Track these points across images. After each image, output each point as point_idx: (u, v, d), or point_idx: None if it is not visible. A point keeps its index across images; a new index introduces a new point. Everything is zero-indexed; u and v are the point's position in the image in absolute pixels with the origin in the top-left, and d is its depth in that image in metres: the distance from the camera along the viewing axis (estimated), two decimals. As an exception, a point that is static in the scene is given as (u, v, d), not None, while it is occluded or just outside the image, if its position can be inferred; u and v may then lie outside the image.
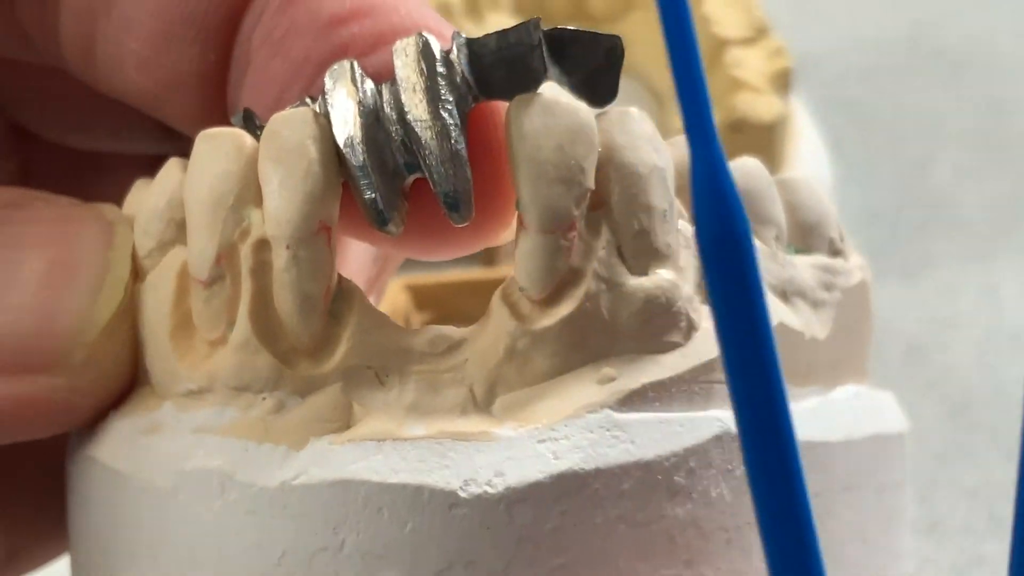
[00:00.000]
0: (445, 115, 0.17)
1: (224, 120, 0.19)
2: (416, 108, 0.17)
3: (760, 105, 0.44)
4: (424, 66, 0.17)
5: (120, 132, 0.23)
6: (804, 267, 0.20)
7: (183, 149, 0.20)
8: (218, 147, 0.17)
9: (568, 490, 0.16)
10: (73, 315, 0.17)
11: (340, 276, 0.17)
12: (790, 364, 0.18)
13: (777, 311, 0.19)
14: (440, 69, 0.17)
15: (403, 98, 0.17)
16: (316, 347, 0.17)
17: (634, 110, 0.18)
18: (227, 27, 0.19)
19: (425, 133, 0.17)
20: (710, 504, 0.17)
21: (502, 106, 0.17)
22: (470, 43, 0.17)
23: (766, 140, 0.44)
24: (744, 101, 0.45)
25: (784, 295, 0.19)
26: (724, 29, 0.48)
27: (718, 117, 0.43)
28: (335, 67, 0.17)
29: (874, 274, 0.44)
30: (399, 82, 0.17)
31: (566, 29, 0.17)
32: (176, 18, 0.19)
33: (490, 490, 0.16)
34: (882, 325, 0.40)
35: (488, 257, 0.41)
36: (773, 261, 0.19)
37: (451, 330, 0.17)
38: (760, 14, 0.48)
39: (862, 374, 0.21)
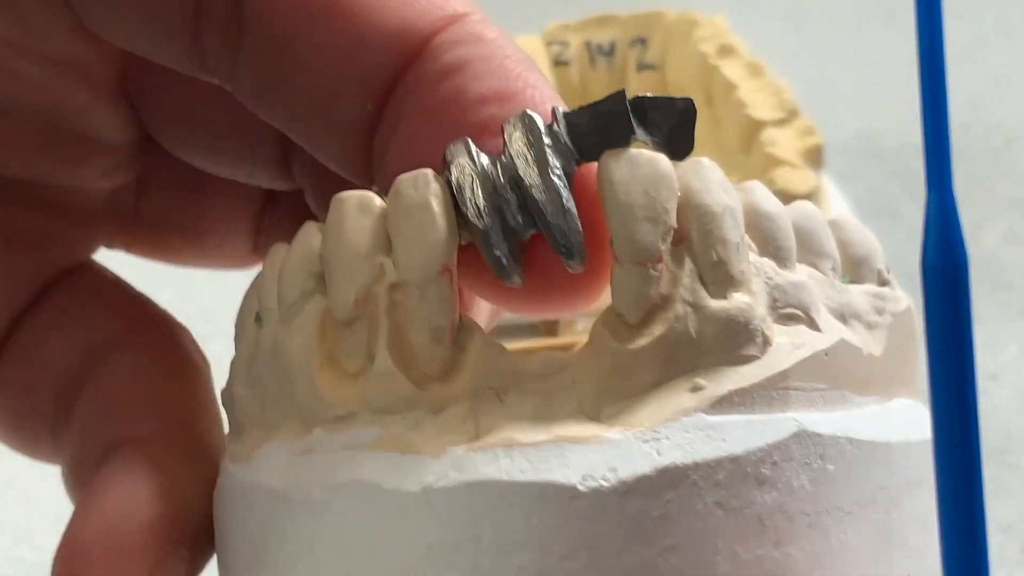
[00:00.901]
0: (554, 179, 0.20)
1: (366, 158, 0.22)
2: (530, 175, 0.20)
3: (796, 178, 0.47)
4: (532, 139, 0.20)
5: (242, 163, 0.26)
6: (858, 294, 0.23)
7: (293, 189, 0.23)
8: (352, 207, 0.20)
9: (671, 481, 0.19)
10: None
11: (461, 313, 0.20)
12: (851, 375, 0.21)
13: (838, 330, 0.21)
14: (546, 140, 0.20)
15: (518, 167, 0.20)
16: (445, 372, 0.20)
17: (705, 160, 0.21)
18: (388, 86, 0.21)
19: (540, 196, 0.20)
20: (792, 492, 0.19)
21: (595, 167, 0.20)
22: (567, 115, 0.20)
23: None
24: (782, 175, 0.47)
25: (843, 317, 0.22)
26: (758, 112, 0.51)
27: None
28: (453, 145, 0.20)
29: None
30: (513, 155, 0.20)
31: (647, 97, 0.20)
32: (348, 73, 0.21)
33: (604, 484, 0.18)
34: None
35: (550, 329, 0.44)
36: (831, 288, 0.22)
37: (558, 353, 0.20)
38: (789, 97, 0.51)
39: (915, 391, 0.24)
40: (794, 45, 0.65)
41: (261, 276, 0.22)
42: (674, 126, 0.20)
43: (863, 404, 0.21)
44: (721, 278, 0.20)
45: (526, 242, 0.20)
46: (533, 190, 0.20)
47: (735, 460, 0.19)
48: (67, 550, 0.22)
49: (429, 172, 0.20)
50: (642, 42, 0.58)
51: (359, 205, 0.20)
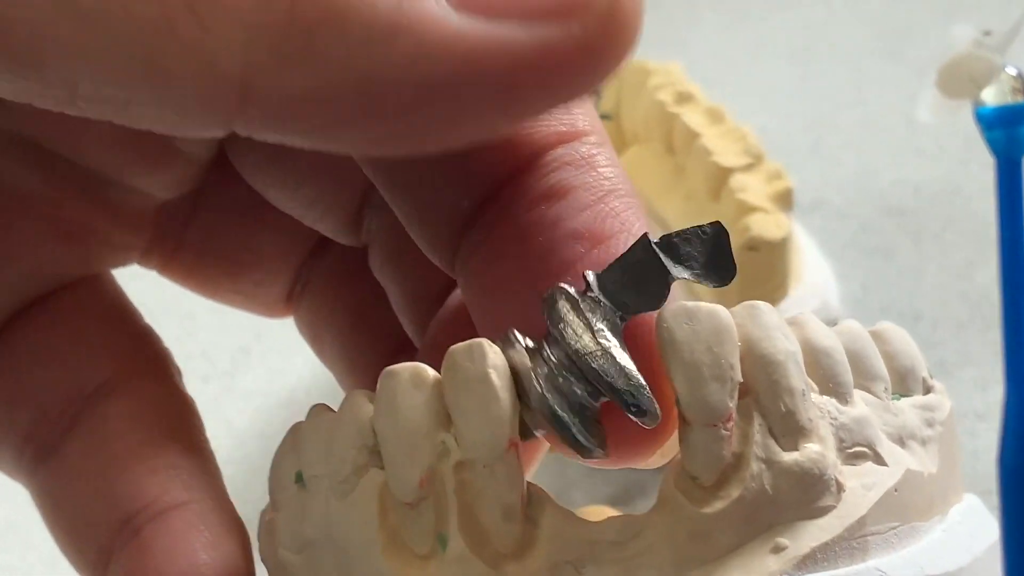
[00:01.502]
0: (604, 341, 0.19)
1: (452, 248, 0.21)
2: (581, 344, 0.19)
3: (770, 224, 0.47)
4: (572, 309, 0.19)
5: (317, 204, 0.25)
6: (909, 411, 0.22)
7: (353, 244, 0.23)
8: (405, 381, 0.20)
9: (771, 653, 0.18)
10: None
11: (528, 484, 0.20)
12: (917, 503, 0.21)
13: (903, 459, 0.21)
14: (584, 307, 0.19)
15: (568, 340, 0.19)
16: (520, 550, 0.19)
17: (761, 304, 0.20)
18: (492, 189, 0.21)
19: (596, 361, 0.19)
20: (883, 645, 0.19)
21: (647, 317, 0.20)
22: (599, 277, 0.20)
23: (778, 255, 0.46)
24: (756, 222, 0.47)
25: (900, 441, 0.22)
26: (724, 158, 0.51)
27: (733, 239, 0.45)
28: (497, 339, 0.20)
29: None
30: (560, 331, 0.19)
31: (673, 234, 0.20)
32: (457, 167, 0.21)
33: (709, 666, 0.18)
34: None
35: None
36: (887, 412, 0.22)
37: (631, 518, 0.20)
38: (753, 141, 0.51)
39: (962, 485, 0.24)
40: (795, 82, 0.65)
41: (300, 435, 0.22)
42: (710, 253, 0.20)
43: (929, 530, 0.21)
44: (791, 429, 0.20)
45: (600, 412, 0.20)
46: (588, 359, 0.19)
47: (829, 622, 0.19)
48: None
49: (484, 342, 0.19)
50: (595, 92, 0.57)
51: (413, 379, 0.20)
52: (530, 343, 0.20)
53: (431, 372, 0.20)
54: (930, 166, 0.56)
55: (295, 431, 0.22)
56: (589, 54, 0.17)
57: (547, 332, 0.20)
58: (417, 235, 0.22)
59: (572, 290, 0.20)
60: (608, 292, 0.20)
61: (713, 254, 0.20)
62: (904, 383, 0.23)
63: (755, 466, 0.19)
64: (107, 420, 0.23)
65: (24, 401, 0.23)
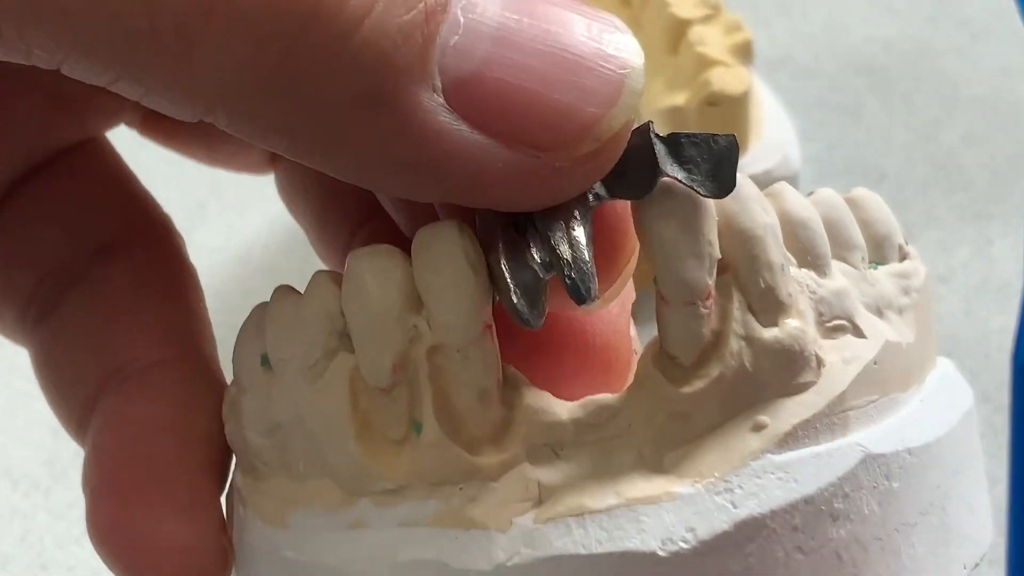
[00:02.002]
0: (572, 216, 0.18)
1: None
2: (544, 217, 0.18)
3: (731, 78, 0.46)
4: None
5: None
6: (886, 280, 0.22)
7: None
8: (374, 264, 0.19)
9: (750, 534, 0.18)
10: (596, 114, 0.17)
11: (504, 365, 0.19)
12: (896, 375, 0.21)
13: (881, 331, 0.21)
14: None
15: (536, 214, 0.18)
16: (497, 434, 0.19)
17: (740, 177, 0.20)
18: None
19: (554, 234, 0.18)
20: (864, 520, 0.19)
21: (622, 202, 0.19)
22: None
23: (738, 110, 0.45)
24: (717, 76, 0.46)
25: (879, 311, 0.21)
26: (682, 10, 0.49)
27: (692, 94, 0.44)
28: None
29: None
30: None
31: (682, 133, 0.19)
32: None
33: (684, 546, 0.18)
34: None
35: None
36: (864, 282, 0.21)
37: (606, 398, 0.19)
38: None
39: (935, 355, 0.24)
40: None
41: (264, 317, 0.21)
42: (715, 164, 0.19)
43: (908, 400, 0.21)
44: (771, 305, 0.19)
45: (546, 286, 0.19)
46: (548, 230, 0.18)
47: (809, 501, 0.18)
48: (120, 502, 0.21)
49: (454, 222, 0.19)
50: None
51: (382, 262, 0.19)
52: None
53: (400, 254, 0.19)
54: (900, 23, 0.55)
55: (258, 313, 0.21)
56: (556, 185, 0.18)
57: None
58: None
59: None
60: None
61: (718, 166, 0.19)
62: (880, 250, 0.23)
63: (735, 344, 0.19)
64: (105, 280, 0.23)
65: (26, 263, 0.23)
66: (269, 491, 0.21)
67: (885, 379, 0.21)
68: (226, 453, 0.22)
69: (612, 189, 0.19)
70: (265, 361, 0.21)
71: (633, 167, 0.19)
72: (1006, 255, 0.44)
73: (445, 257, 0.18)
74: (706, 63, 0.47)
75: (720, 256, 0.19)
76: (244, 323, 0.22)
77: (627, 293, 0.21)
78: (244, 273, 0.46)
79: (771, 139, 0.45)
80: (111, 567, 0.21)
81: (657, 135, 0.19)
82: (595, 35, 0.17)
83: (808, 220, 0.20)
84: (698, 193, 0.19)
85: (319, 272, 0.20)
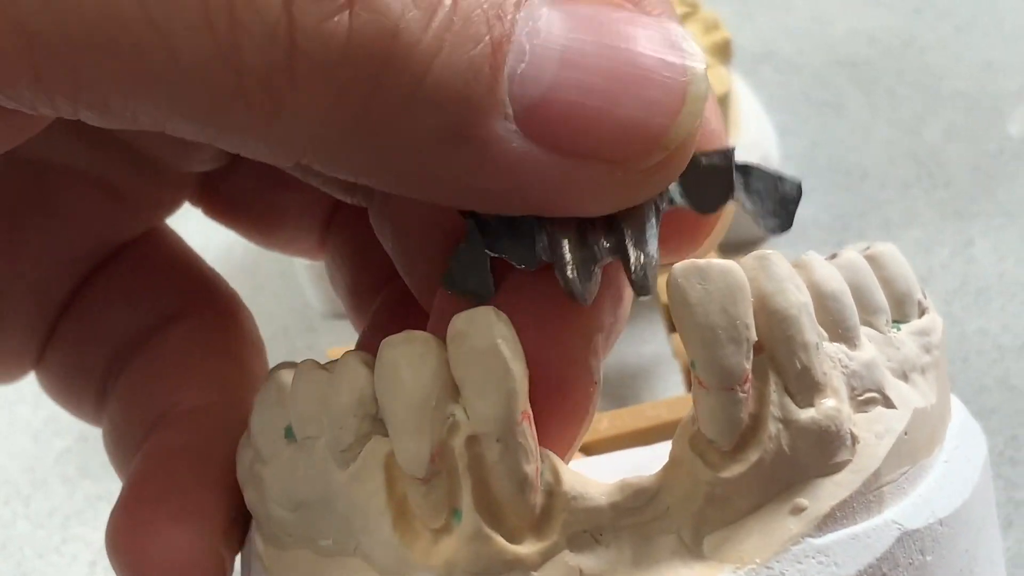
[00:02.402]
0: (646, 214, 0.19)
1: None
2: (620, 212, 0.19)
3: (712, 79, 0.46)
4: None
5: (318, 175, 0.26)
6: (909, 341, 0.22)
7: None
8: (408, 353, 0.19)
9: (796, 620, 0.18)
10: (663, 124, 0.18)
11: (541, 449, 0.19)
12: (923, 440, 0.21)
13: (909, 398, 0.21)
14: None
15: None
16: (537, 522, 0.19)
17: (771, 254, 0.20)
18: None
19: (627, 225, 0.19)
20: (901, 597, 0.19)
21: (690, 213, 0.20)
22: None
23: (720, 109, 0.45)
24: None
25: (904, 375, 0.22)
26: (659, 9, 0.49)
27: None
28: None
29: (859, 229, 0.46)
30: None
31: (753, 165, 0.20)
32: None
33: (731, 636, 0.18)
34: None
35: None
36: (890, 346, 0.22)
37: (643, 480, 0.19)
38: None
39: (950, 406, 0.24)
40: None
41: (288, 391, 0.21)
42: (777, 203, 0.20)
43: (933, 464, 0.21)
44: (807, 385, 0.19)
45: (602, 267, 0.19)
46: (622, 223, 0.19)
47: (850, 584, 0.19)
48: (134, 513, 0.22)
49: (488, 310, 0.18)
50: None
51: (416, 349, 0.19)
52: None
53: (435, 341, 0.19)
54: (885, 15, 0.55)
55: (279, 380, 0.21)
56: (627, 194, 0.18)
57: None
58: None
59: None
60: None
61: (781, 204, 0.20)
62: (902, 309, 0.23)
63: (772, 427, 0.19)
64: (163, 342, 0.24)
65: (97, 347, 0.25)
66: (294, 564, 0.21)
67: (915, 448, 0.21)
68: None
69: (686, 197, 0.19)
70: (289, 433, 0.21)
71: (708, 182, 0.19)
72: (986, 256, 0.44)
73: (483, 348, 0.18)
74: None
75: (756, 339, 0.19)
76: (263, 388, 0.22)
77: (593, 321, 0.20)
78: (225, 271, 0.46)
79: (750, 137, 0.45)
80: (117, 573, 0.22)
81: (736, 162, 0.19)
82: (656, 45, 0.18)
83: (838, 293, 0.21)
84: (757, 224, 0.19)
85: (349, 353, 0.20)
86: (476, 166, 0.17)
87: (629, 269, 0.19)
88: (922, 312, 0.23)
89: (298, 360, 0.21)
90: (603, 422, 0.34)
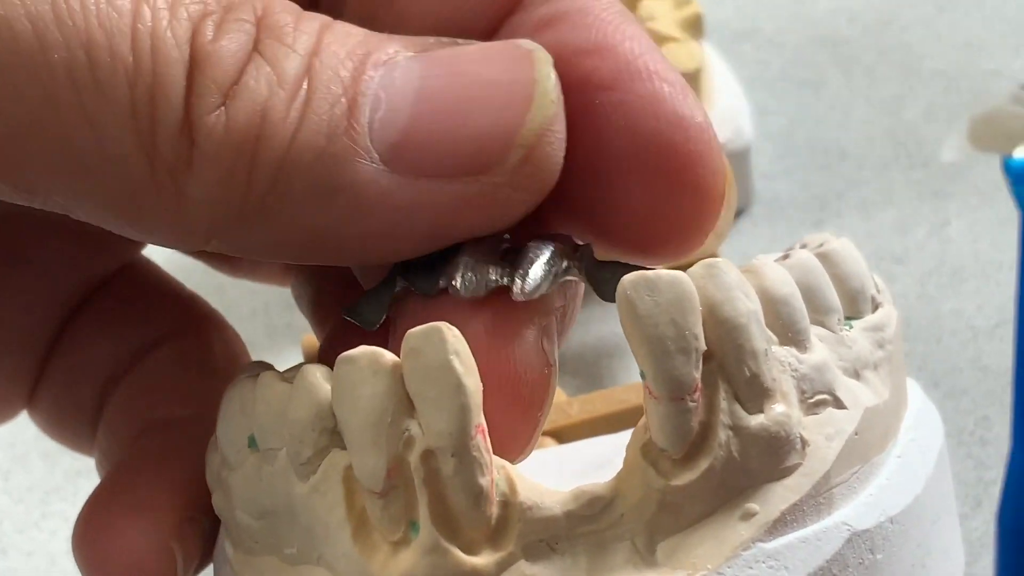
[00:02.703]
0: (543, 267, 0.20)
1: None
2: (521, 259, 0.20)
3: (683, 55, 0.46)
4: (554, 261, 0.20)
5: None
6: (861, 338, 0.23)
7: None
8: (363, 368, 0.19)
9: (744, 627, 0.19)
10: (513, 124, 0.19)
11: (496, 459, 0.19)
12: (875, 438, 0.21)
13: (860, 398, 0.21)
14: (563, 264, 0.20)
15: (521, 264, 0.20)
16: (493, 533, 0.19)
17: (720, 262, 0.20)
18: (487, 32, 0.21)
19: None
20: (850, 598, 0.20)
21: None
22: (599, 262, 0.20)
23: (691, 84, 0.45)
24: (669, 53, 0.46)
25: (856, 374, 0.22)
26: (630, -16, 0.49)
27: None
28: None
29: (836, 209, 0.47)
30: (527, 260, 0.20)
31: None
32: (449, 14, 0.22)
33: (684, 643, 0.18)
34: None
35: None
36: (842, 345, 0.22)
37: (597, 488, 0.20)
38: None
39: (907, 397, 0.24)
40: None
41: (250, 402, 0.21)
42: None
43: (885, 460, 0.22)
44: (756, 392, 0.20)
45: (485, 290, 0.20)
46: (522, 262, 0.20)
47: (800, 588, 0.19)
48: (93, 510, 0.22)
49: (442, 326, 0.19)
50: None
51: (371, 366, 0.19)
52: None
53: (389, 358, 0.19)
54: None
55: (242, 389, 0.22)
56: (507, 200, 0.19)
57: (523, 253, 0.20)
58: None
59: (557, 252, 0.20)
60: (588, 271, 0.20)
61: None
62: (855, 306, 0.23)
63: (722, 434, 0.19)
64: (146, 365, 0.25)
65: (87, 378, 0.26)
66: (262, 570, 0.21)
67: (866, 447, 0.21)
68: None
69: (595, 286, 0.20)
70: (253, 443, 0.21)
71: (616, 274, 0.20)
72: (962, 236, 0.44)
73: (437, 364, 0.19)
74: (657, 40, 0.47)
75: (705, 347, 0.19)
76: (228, 396, 0.22)
77: (541, 305, 0.21)
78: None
79: (723, 110, 0.45)
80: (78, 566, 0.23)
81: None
82: (504, 59, 0.19)
83: (788, 297, 0.21)
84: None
85: (307, 367, 0.20)
86: (354, 210, 0.19)
87: (511, 280, 0.20)
88: (876, 307, 0.24)
89: (275, 353, 0.22)
90: (574, 407, 0.35)
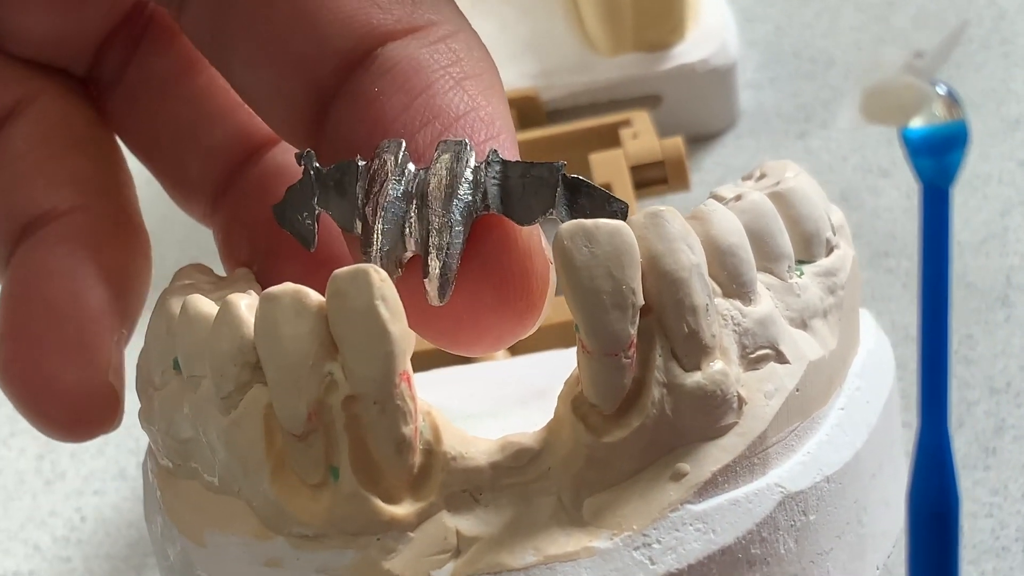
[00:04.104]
0: (455, 213, 0.19)
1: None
2: (436, 199, 0.19)
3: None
4: (456, 167, 0.19)
5: None
6: (812, 285, 0.22)
7: None
8: (286, 308, 0.18)
9: (667, 590, 0.18)
10: None
11: (420, 405, 0.19)
12: (818, 391, 0.21)
13: (805, 351, 0.21)
14: (468, 176, 0.19)
15: (430, 186, 0.19)
16: (415, 482, 0.19)
17: (664, 212, 0.19)
18: (334, 81, 0.21)
19: (436, 222, 0.19)
20: (780, 560, 0.19)
21: (503, 221, 0.19)
22: (503, 163, 0.19)
23: None
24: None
25: (803, 324, 0.21)
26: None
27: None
28: (388, 142, 0.19)
29: (823, 120, 0.45)
30: (431, 174, 0.19)
31: (584, 181, 0.19)
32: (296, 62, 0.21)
33: (601, 606, 0.18)
34: (823, 170, 0.42)
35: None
36: (790, 294, 0.21)
37: (525, 439, 0.19)
38: None
39: (858, 336, 0.23)
40: None
41: (174, 325, 0.21)
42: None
43: (827, 413, 0.21)
44: (694, 349, 0.19)
45: (404, 258, 0.19)
46: (432, 214, 0.19)
47: (726, 551, 0.19)
48: (18, 343, 0.21)
49: (368, 268, 0.18)
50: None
51: (294, 305, 0.18)
52: (411, 166, 0.19)
53: (314, 297, 0.19)
54: None
55: (166, 308, 0.21)
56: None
57: (427, 168, 0.19)
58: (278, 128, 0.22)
59: (471, 155, 0.19)
60: (498, 179, 0.19)
61: None
62: (808, 249, 0.22)
63: (656, 392, 0.19)
64: (12, 140, 0.23)
65: None
66: (185, 494, 0.21)
67: (807, 402, 0.20)
68: (135, 294, 0.22)
69: (503, 205, 0.19)
70: (177, 366, 0.21)
71: (531, 192, 0.19)
72: (949, 152, 0.43)
73: (362, 309, 0.18)
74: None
75: (643, 303, 0.19)
76: (154, 315, 0.22)
77: None
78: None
79: (708, 25, 0.44)
80: (15, 407, 0.21)
81: (564, 175, 0.19)
82: None
83: (735, 247, 0.20)
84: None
85: (231, 299, 0.20)
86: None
87: (428, 267, 0.19)
88: (830, 250, 0.23)
89: None
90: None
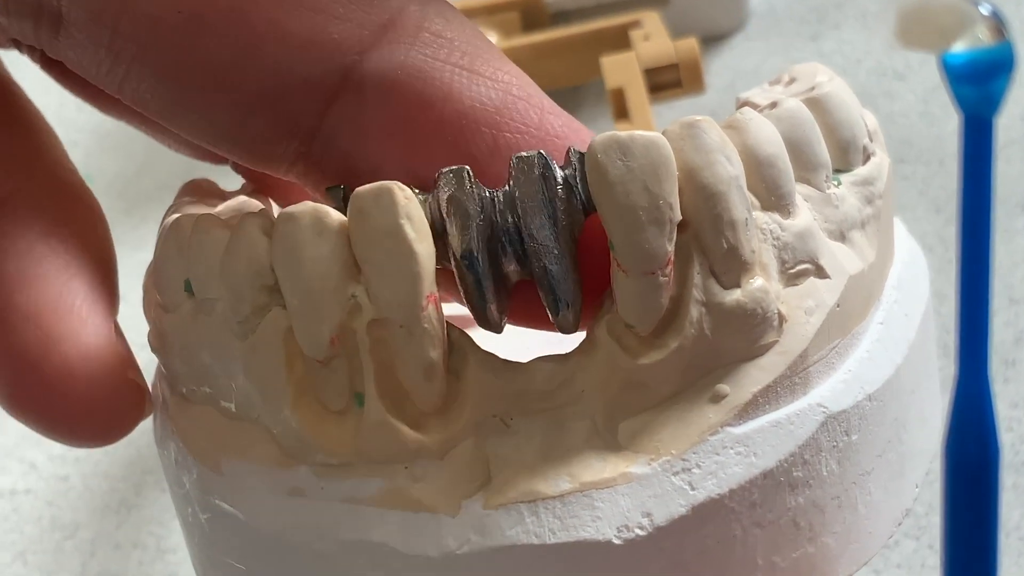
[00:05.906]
0: (565, 242, 0.18)
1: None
2: (539, 232, 0.17)
3: None
4: (546, 188, 0.17)
5: None
6: (850, 195, 0.21)
7: None
8: (306, 227, 0.17)
9: (708, 516, 0.17)
10: None
11: (449, 328, 0.18)
12: (857, 306, 0.20)
13: (844, 265, 0.20)
14: (560, 193, 0.17)
15: (527, 219, 0.17)
16: (443, 406, 0.18)
17: (701, 122, 0.18)
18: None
19: (547, 258, 0.18)
20: (823, 482, 0.19)
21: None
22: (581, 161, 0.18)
23: None
24: None
25: (842, 236, 0.20)
26: None
27: None
28: (448, 171, 0.18)
29: (835, 20, 0.44)
30: (520, 199, 0.17)
31: None
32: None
33: (641, 532, 0.17)
34: (836, 74, 0.41)
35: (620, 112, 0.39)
36: (828, 205, 0.20)
37: (558, 360, 0.18)
38: None
39: (893, 247, 0.23)
40: None
41: (187, 245, 0.20)
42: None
43: (867, 328, 0.20)
44: (733, 265, 0.18)
45: (512, 286, 0.18)
46: (541, 250, 0.18)
47: (768, 475, 0.18)
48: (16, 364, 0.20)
49: (393, 186, 0.17)
50: None
51: (315, 225, 0.17)
52: (487, 193, 0.18)
53: (335, 216, 0.18)
54: None
55: (179, 228, 0.20)
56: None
57: (507, 191, 0.18)
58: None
59: (556, 169, 0.18)
60: (585, 184, 0.18)
61: None
62: (845, 157, 0.21)
63: (694, 311, 0.18)
64: None
65: None
66: (200, 421, 0.20)
67: (847, 318, 0.20)
68: (106, 270, 0.21)
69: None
70: (189, 287, 0.20)
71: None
72: (968, 51, 0.42)
73: (386, 228, 0.17)
74: None
75: (680, 218, 0.18)
76: (164, 237, 0.20)
77: None
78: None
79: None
80: (43, 432, 0.20)
81: None
82: None
83: (774, 158, 0.19)
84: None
85: (247, 218, 0.19)
86: None
87: (554, 305, 0.18)
88: (867, 158, 0.22)
89: None
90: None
